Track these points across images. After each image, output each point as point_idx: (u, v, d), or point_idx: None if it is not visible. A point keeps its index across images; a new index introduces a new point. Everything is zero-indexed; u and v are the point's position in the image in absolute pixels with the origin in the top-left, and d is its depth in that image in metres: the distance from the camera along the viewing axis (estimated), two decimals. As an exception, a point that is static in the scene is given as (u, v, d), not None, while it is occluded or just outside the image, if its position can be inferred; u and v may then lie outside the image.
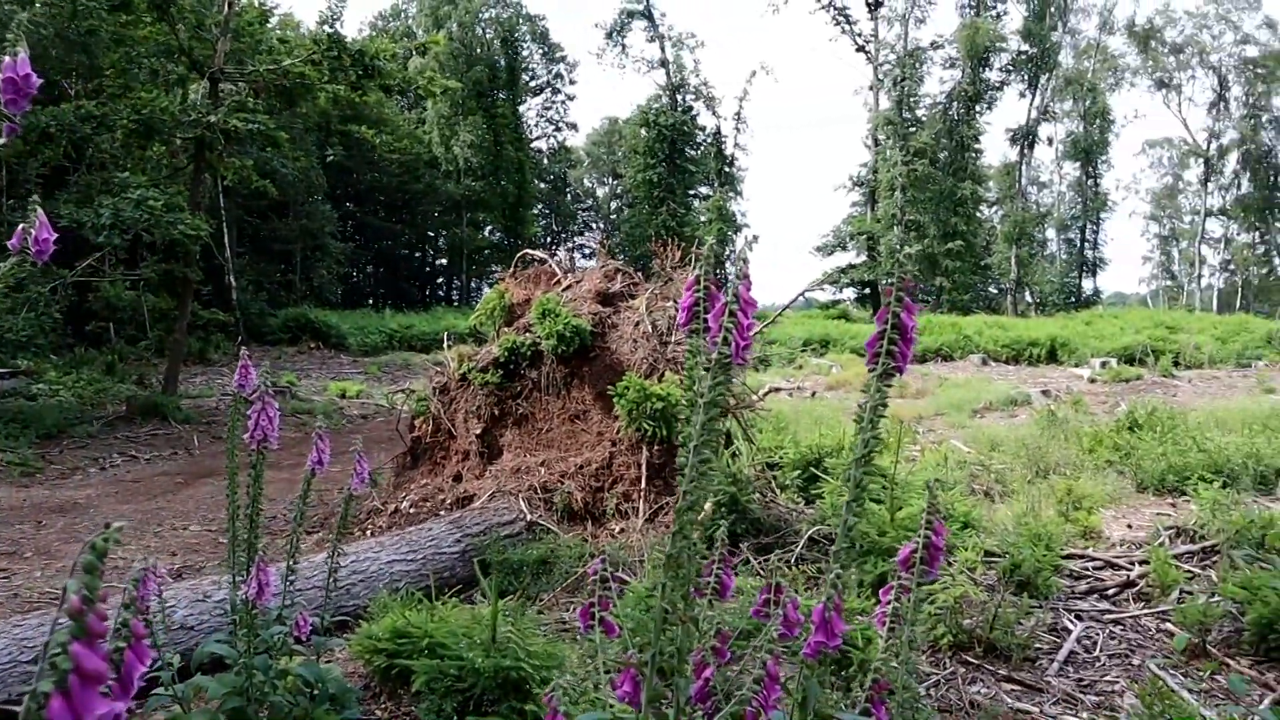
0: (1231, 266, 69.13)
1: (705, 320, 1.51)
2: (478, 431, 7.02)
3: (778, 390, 15.61)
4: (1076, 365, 23.37)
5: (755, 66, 51.93)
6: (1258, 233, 68.12)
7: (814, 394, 16.40)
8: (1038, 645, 4.33)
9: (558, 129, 65.42)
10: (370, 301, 44.47)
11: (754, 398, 6.76)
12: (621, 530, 5.97)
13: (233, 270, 24.83)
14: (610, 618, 1.67)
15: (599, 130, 73.15)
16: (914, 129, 50.90)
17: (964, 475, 7.55)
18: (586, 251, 73.13)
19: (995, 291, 56.30)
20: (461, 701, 3.37)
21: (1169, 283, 73.87)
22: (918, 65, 51.89)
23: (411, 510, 6.76)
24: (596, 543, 5.85)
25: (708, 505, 5.00)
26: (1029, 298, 57.42)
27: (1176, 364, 23.51)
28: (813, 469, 6.08)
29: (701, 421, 1.36)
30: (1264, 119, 66.45)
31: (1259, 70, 65.23)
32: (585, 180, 75.23)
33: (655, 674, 1.34)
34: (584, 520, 6.21)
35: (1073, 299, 58.58)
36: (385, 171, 42.41)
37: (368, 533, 6.52)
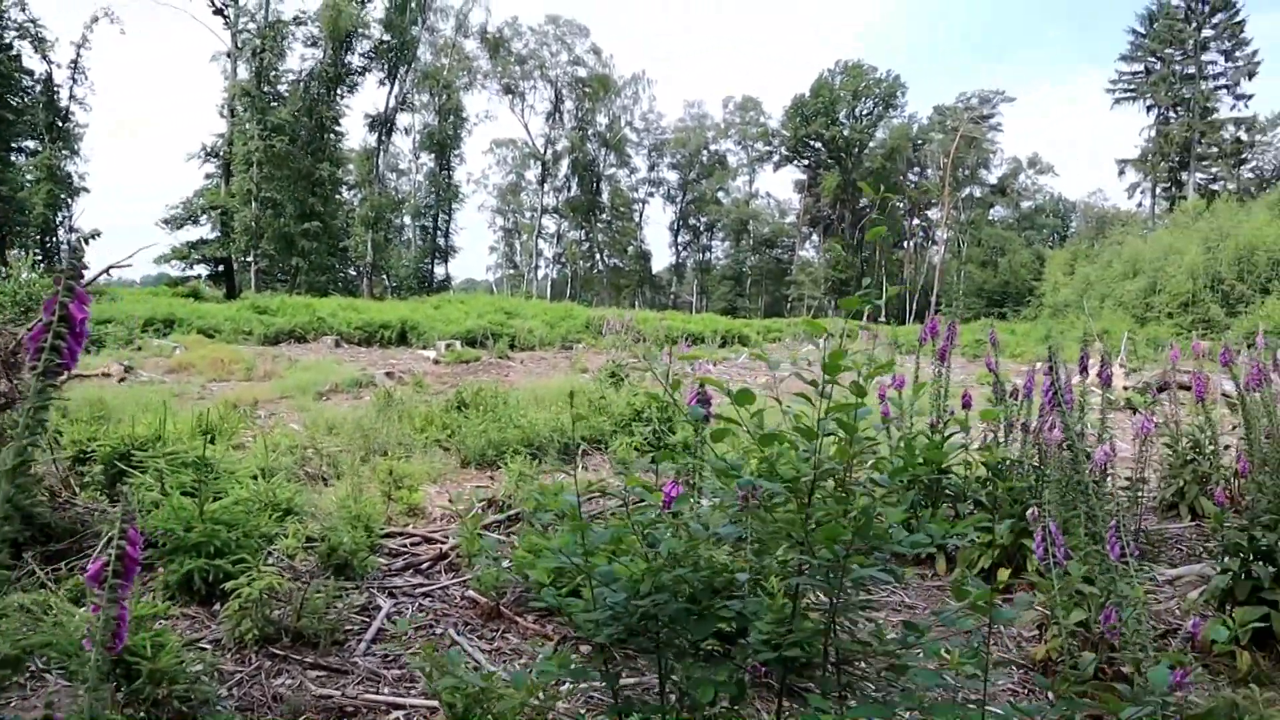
0: (563, 259, 77.52)
1: None
2: None
3: (106, 375, 14.25)
4: (424, 347, 24.48)
5: (98, 11, 46.40)
6: (583, 231, 77.17)
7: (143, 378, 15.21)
8: (348, 627, 4.37)
9: None
10: None
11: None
12: None
13: None
14: None
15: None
16: (274, 104, 49.50)
17: (295, 459, 7.46)
18: None
19: (353, 274, 57.01)
20: None
21: (512, 271, 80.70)
22: (279, 38, 50.38)
23: None
24: None
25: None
26: (386, 281, 59.04)
27: (513, 346, 25.74)
28: (119, 463, 5.55)
29: None
30: (589, 132, 75.28)
31: (587, 89, 73.83)
32: None
33: None
34: None
35: (426, 284, 61.43)
36: None
37: None
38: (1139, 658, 2.12)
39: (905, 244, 78.94)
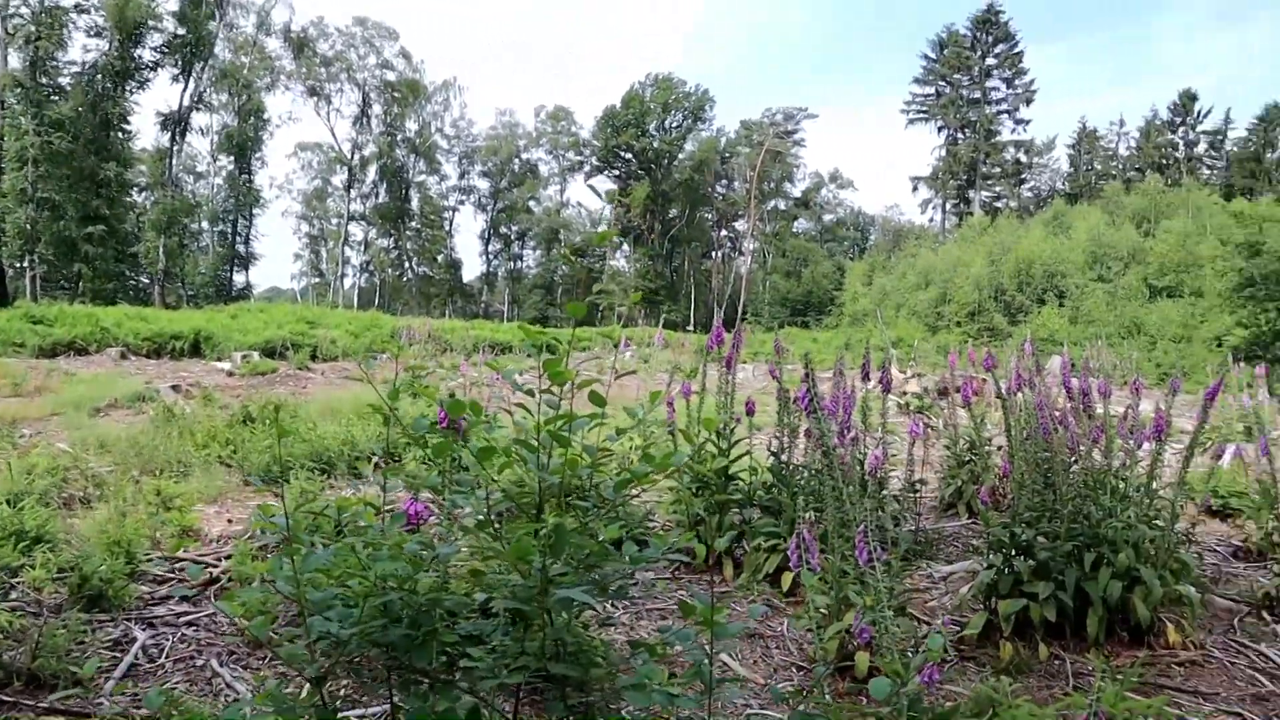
0: (371, 267, 75.66)
1: None
2: None
3: None
4: (219, 359, 23.31)
5: None
6: (392, 238, 75.57)
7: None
8: (98, 664, 4.04)
9: None
10: None
11: None
12: None
13: None
14: None
15: None
16: (53, 97, 46.23)
17: (54, 482, 6.89)
18: None
19: (145, 281, 53.88)
20: None
21: (318, 280, 78.21)
22: (57, 26, 46.99)
23: None
24: None
25: None
26: (181, 289, 56.15)
27: (315, 357, 24.82)
28: None
29: None
30: (399, 138, 73.79)
31: (396, 94, 72.32)
32: None
33: None
34: None
35: (225, 292, 58.77)
36: None
37: None
38: (886, 660, 2.14)
39: (713, 254, 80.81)
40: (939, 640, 2.10)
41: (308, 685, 3.77)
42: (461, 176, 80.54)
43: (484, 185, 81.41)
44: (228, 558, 5.44)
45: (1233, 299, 28.69)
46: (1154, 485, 4.89)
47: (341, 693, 3.46)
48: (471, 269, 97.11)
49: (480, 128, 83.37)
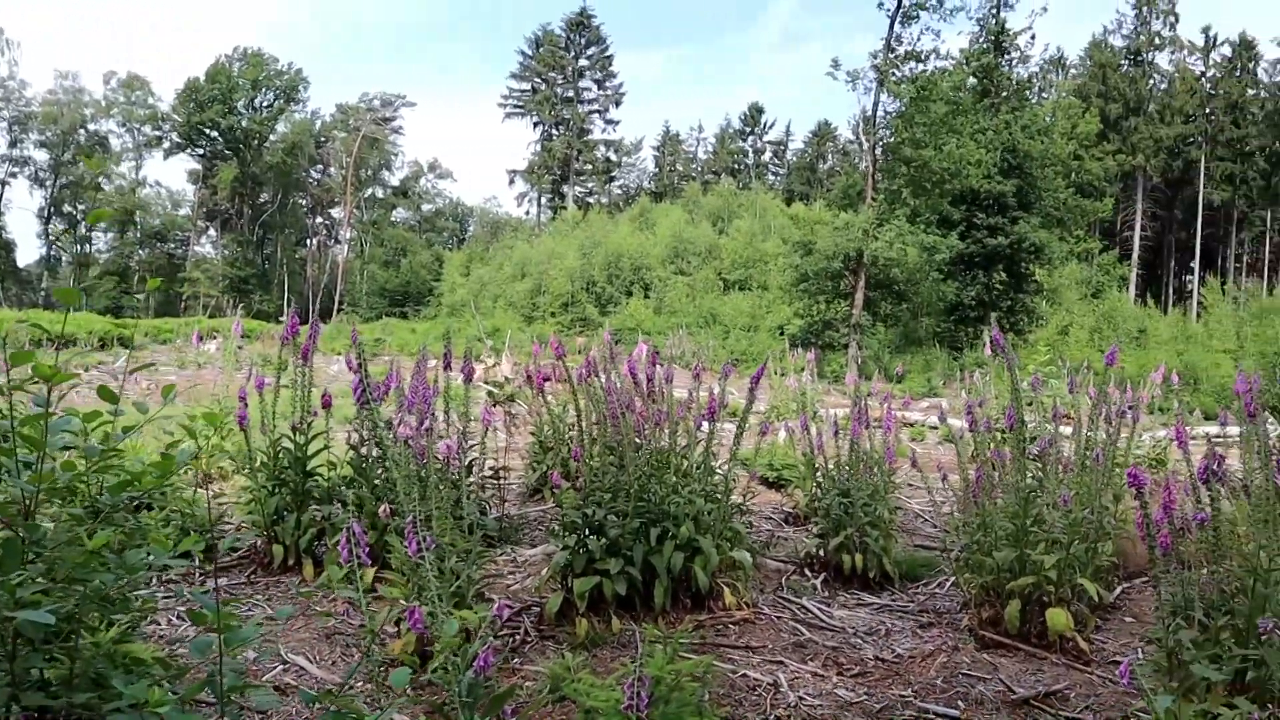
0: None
1: None
2: None
3: None
4: None
5: None
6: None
7: None
8: None
9: None
10: None
11: None
12: None
13: None
14: None
15: None
16: None
17: None
18: None
19: None
20: None
21: None
22: None
23: None
24: None
25: None
26: None
27: None
28: None
29: None
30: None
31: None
32: None
33: None
34: None
35: None
36: None
37: None
38: (439, 648, 2.15)
39: (309, 242, 77.79)
40: (454, 626, 2.14)
41: None
42: (13, 145, 71.26)
43: (42, 157, 72.63)
44: None
45: (791, 292, 32.11)
46: (712, 462, 5.31)
47: None
48: (29, 252, 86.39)
49: (37, 91, 74.10)
